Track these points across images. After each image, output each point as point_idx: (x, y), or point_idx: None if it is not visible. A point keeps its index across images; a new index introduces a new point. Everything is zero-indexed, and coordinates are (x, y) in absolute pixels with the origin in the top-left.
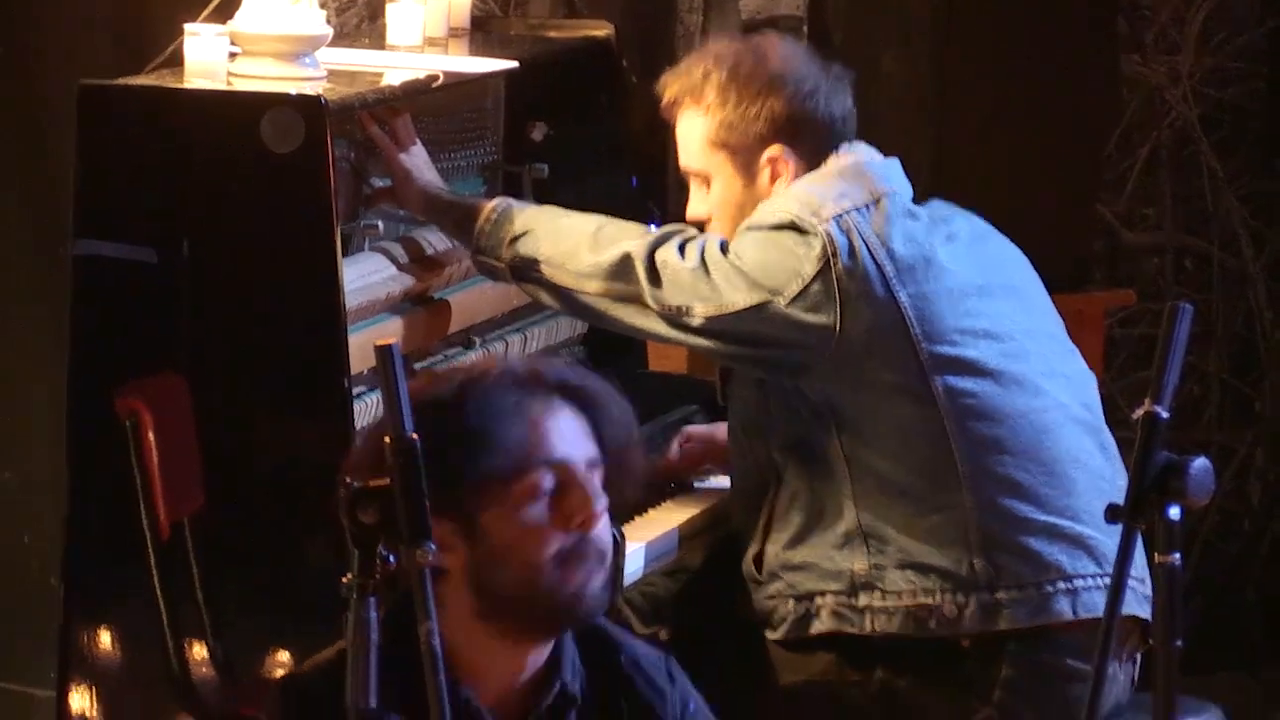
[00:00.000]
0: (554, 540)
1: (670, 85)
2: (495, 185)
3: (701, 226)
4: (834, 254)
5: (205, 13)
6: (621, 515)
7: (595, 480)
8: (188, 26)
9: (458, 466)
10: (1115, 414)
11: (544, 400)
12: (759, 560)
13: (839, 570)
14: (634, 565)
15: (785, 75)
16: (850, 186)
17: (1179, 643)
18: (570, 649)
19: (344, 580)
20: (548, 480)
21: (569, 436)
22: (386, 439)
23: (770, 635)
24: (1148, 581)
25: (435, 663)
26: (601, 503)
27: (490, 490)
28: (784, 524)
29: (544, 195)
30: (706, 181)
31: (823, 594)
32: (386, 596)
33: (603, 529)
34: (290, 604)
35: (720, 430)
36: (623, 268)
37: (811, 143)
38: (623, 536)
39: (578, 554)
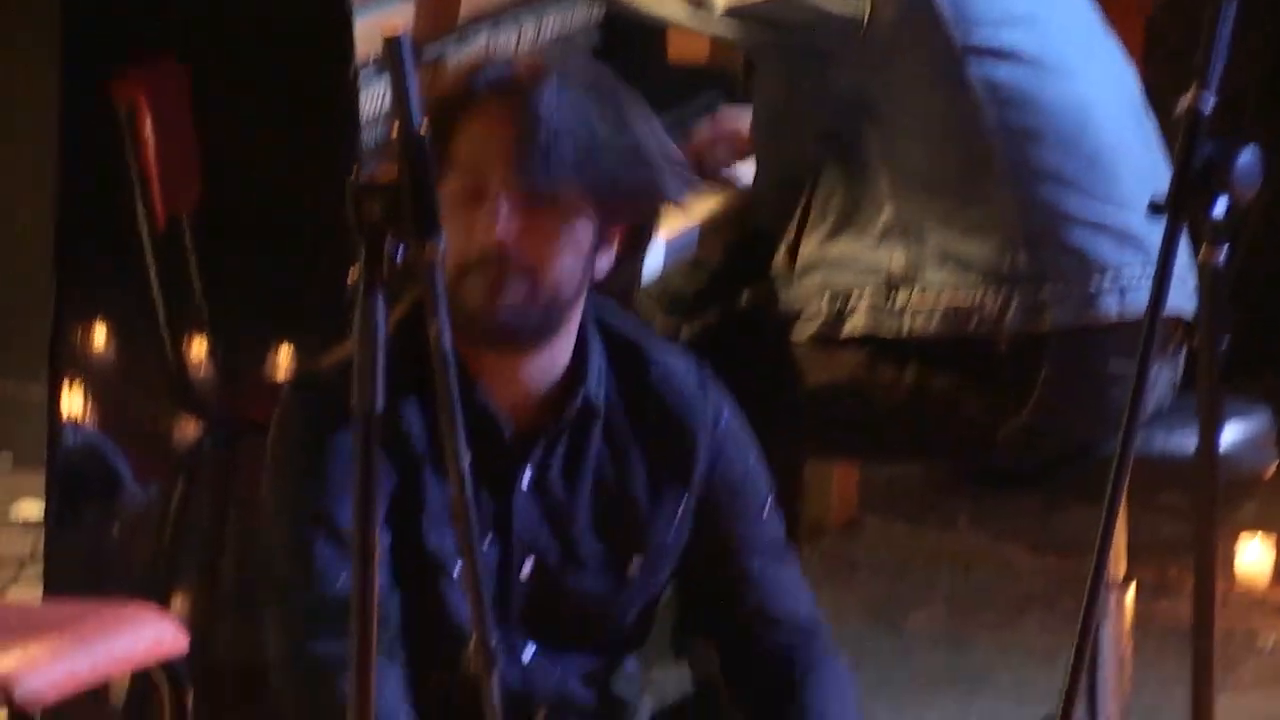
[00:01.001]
0: (461, 251)
1: None
2: None
3: None
4: None
5: None
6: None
7: (506, 195)
8: None
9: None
10: (1158, 104)
11: (500, 103)
12: (793, 254)
13: (877, 265)
14: (654, 260)
15: None
16: None
17: (1224, 342)
18: (598, 358)
19: (350, 276)
20: (459, 185)
21: (498, 147)
22: (393, 132)
23: (798, 334)
24: (1191, 280)
25: (445, 361)
26: (504, 224)
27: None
28: (820, 216)
29: None
30: None
31: (860, 290)
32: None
33: (520, 247)
34: (294, 303)
35: (743, 118)
36: None
37: None
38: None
39: (480, 267)
